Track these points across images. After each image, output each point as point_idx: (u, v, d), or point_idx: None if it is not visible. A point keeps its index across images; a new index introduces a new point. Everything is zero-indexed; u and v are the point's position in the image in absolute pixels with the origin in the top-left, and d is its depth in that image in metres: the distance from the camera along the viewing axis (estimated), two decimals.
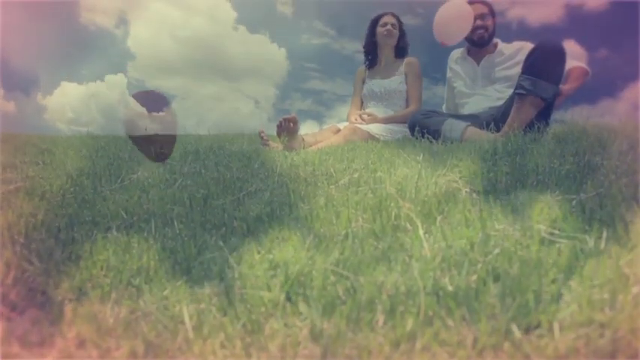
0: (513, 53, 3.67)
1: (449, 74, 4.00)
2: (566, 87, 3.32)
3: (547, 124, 3.14)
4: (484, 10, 3.72)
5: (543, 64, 3.13)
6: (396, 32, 4.15)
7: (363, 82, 4.28)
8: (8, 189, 2.17)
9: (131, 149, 3.23)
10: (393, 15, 4.21)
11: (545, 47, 3.15)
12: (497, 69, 3.70)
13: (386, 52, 4.20)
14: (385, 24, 4.13)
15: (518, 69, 3.44)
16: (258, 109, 9.18)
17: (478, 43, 3.77)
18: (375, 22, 4.21)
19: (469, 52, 3.85)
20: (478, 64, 3.78)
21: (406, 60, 4.16)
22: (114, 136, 4.48)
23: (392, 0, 4.87)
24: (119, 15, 9.34)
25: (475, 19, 3.69)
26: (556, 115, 3.41)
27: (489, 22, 3.72)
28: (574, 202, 1.52)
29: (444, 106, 4.14)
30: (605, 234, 1.28)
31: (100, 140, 3.93)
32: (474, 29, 3.69)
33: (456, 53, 3.96)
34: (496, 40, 3.80)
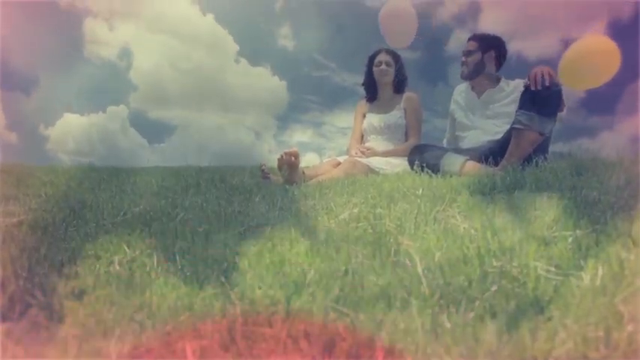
0: (512, 90, 3.72)
1: (452, 106, 4.06)
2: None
3: (545, 158, 3.17)
4: (472, 46, 3.79)
5: (540, 99, 3.18)
6: (391, 70, 4.20)
7: (364, 116, 4.32)
8: (11, 222, 2.19)
9: (133, 182, 3.26)
10: (387, 52, 4.26)
11: (542, 83, 3.19)
12: (497, 104, 3.75)
13: (384, 88, 4.25)
14: (380, 63, 4.19)
15: (515, 106, 3.50)
16: (258, 140, 9.25)
17: (461, 77, 3.88)
18: (371, 60, 4.28)
19: (473, 87, 3.91)
20: (479, 97, 3.84)
21: (406, 95, 4.21)
22: (115, 168, 4.51)
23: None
24: (122, 47, 9.45)
25: (462, 56, 3.82)
26: (555, 148, 3.46)
27: (471, 58, 3.78)
28: (570, 239, 1.54)
29: (444, 140, 4.18)
30: (600, 271, 1.30)
31: (102, 172, 3.96)
32: (460, 65, 3.79)
33: (461, 86, 4.03)
34: (500, 75, 3.85)
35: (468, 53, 3.79)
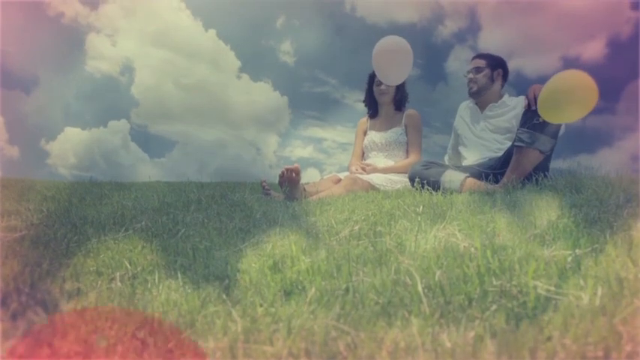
0: (514, 106, 3.77)
1: (456, 121, 4.10)
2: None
3: (545, 176, 3.18)
4: (480, 63, 3.85)
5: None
6: (391, 89, 4.23)
7: (365, 133, 4.35)
8: (13, 237, 2.19)
9: (134, 197, 3.27)
10: None
11: None
12: (499, 119, 3.80)
13: (385, 106, 4.29)
14: (379, 82, 4.22)
15: (514, 121, 3.53)
16: (259, 155, 9.26)
17: (469, 94, 3.92)
18: (371, 78, 4.31)
19: (476, 102, 3.95)
20: (482, 111, 3.88)
21: (406, 112, 4.24)
22: (116, 183, 4.52)
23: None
24: (124, 62, 9.50)
25: (469, 72, 3.87)
26: (554, 164, 3.47)
27: (481, 75, 3.83)
28: (570, 259, 1.55)
29: (446, 156, 4.21)
30: (599, 291, 1.31)
31: (103, 187, 3.97)
32: (468, 81, 3.83)
33: (466, 102, 4.07)
34: (504, 92, 3.90)
35: (477, 70, 3.84)
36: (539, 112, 3.13)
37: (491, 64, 3.88)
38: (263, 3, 9.54)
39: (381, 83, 4.22)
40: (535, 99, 3.17)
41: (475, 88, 3.87)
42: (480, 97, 3.89)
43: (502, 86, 3.92)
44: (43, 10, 8.59)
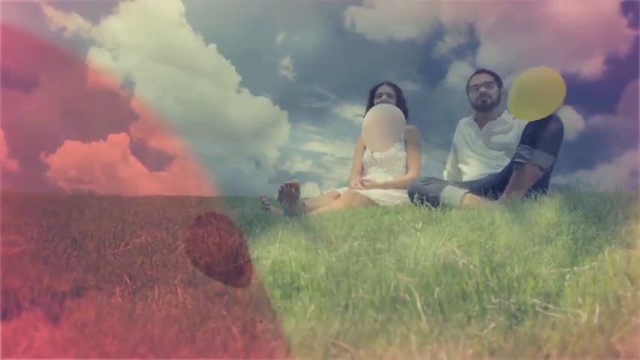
0: (513, 123, 3.80)
1: (455, 138, 4.13)
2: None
3: (545, 192, 3.20)
4: (489, 78, 3.90)
5: (542, 134, 3.23)
6: (392, 101, 4.27)
7: (364, 148, 4.37)
8: (13, 252, 2.20)
9: (134, 212, 3.28)
10: (389, 84, 4.33)
11: (544, 118, 3.24)
12: (497, 136, 3.83)
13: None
14: (380, 95, 4.25)
15: (512, 136, 3.56)
16: (259, 170, 9.28)
17: (481, 108, 3.95)
18: (372, 93, 4.34)
19: (476, 118, 3.98)
20: (481, 128, 3.91)
21: (406, 127, 4.26)
22: (116, 197, 4.53)
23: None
24: (125, 77, 9.54)
25: (480, 86, 3.89)
26: (553, 180, 3.49)
27: (493, 90, 3.87)
28: (568, 276, 1.55)
29: (445, 172, 4.23)
30: (598, 309, 1.32)
31: (103, 201, 3.98)
32: (480, 95, 3.85)
33: (466, 119, 4.10)
34: (502, 108, 3.93)
35: (488, 85, 3.87)
36: (509, 109, 3.20)
37: (498, 81, 3.95)
38: (263, 19, 9.62)
39: (382, 95, 4.26)
40: None
41: (489, 102, 3.90)
42: (490, 112, 3.92)
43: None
44: (45, 24, 8.66)
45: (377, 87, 4.35)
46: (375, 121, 3.92)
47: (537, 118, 3.22)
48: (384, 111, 3.96)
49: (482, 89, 3.90)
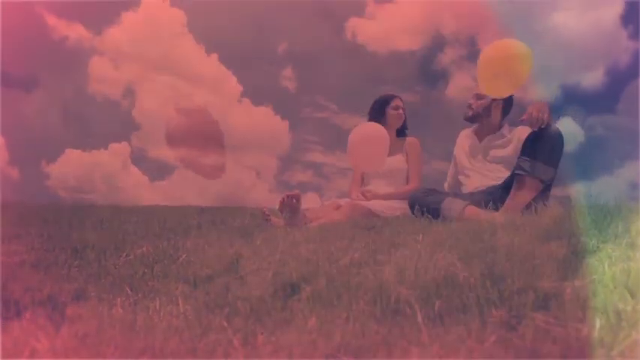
0: (512, 137, 3.78)
1: (455, 150, 4.12)
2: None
3: (545, 204, 3.20)
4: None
5: (542, 146, 3.24)
6: (403, 115, 4.31)
7: None
8: (14, 261, 2.20)
9: (135, 221, 3.28)
10: (400, 98, 4.36)
11: (544, 130, 3.25)
12: (496, 150, 3.81)
13: (389, 132, 4.31)
14: (397, 107, 4.27)
15: (511, 150, 3.56)
16: (259, 179, 9.29)
17: (464, 118, 3.97)
18: (385, 103, 4.33)
19: (476, 131, 3.97)
20: (480, 142, 3.89)
21: (407, 140, 4.28)
22: (117, 206, 4.54)
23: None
24: (127, 86, 9.57)
25: (470, 98, 3.87)
26: (554, 192, 3.49)
27: (481, 103, 3.84)
28: (568, 290, 1.56)
29: (446, 184, 4.23)
30: (598, 323, 1.32)
31: (104, 211, 3.99)
32: (466, 106, 3.87)
33: (466, 131, 4.09)
34: (504, 122, 3.91)
35: (478, 97, 3.85)
36: (479, 86, 3.20)
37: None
38: (265, 29, 9.66)
39: (398, 107, 4.30)
40: (536, 119, 3.20)
41: (470, 114, 3.90)
42: (476, 125, 3.91)
43: (502, 117, 3.91)
44: (48, 33, 8.70)
45: (391, 98, 4.34)
46: (367, 140, 3.92)
47: (509, 93, 3.22)
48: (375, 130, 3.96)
49: (469, 101, 3.92)
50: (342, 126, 9.42)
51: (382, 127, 3.97)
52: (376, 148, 3.88)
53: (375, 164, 3.99)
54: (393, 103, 4.31)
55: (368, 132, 3.95)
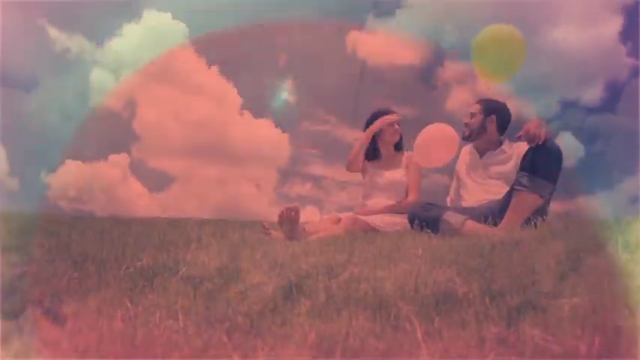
0: (512, 153, 3.77)
1: (457, 165, 4.12)
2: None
3: (544, 219, 3.21)
4: (475, 108, 3.88)
5: (541, 162, 3.25)
6: (397, 133, 4.32)
7: (365, 174, 4.38)
8: (13, 273, 2.20)
9: (135, 233, 3.28)
10: (398, 114, 4.37)
11: (543, 145, 3.26)
12: (497, 166, 3.80)
13: (387, 147, 4.33)
14: (392, 123, 4.28)
15: (511, 167, 3.57)
16: (259, 192, 9.29)
17: (462, 138, 3.93)
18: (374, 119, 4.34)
19: (476, 147, 3.97)
20: (481, 157, 3.89)
21: (407, 153, 4.29)
22: (117, 218, 4.54)
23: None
24: (128, 98, 9.59)
25: (466, 117, 3.91)
26: (553, 207, 3.50)
27: (474, 121, 3.85)
28: (567, 307, 1.56)
29: (448, 198, 4.23)
30: (597, 340, 1.32)
31: (104, 222, 3.98)
32: (464, 125, 3.88)
33: (467, 147, 4.08)
34: (504, 138, 3.90)
35: (471, 115, 3.86)
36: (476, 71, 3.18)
37: (485, 110, 3.87)
38: (266, 42, 9.69)
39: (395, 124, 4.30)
40: (533, 136, 3.22)
41: (467, 133, 3.89)
42: (476, 141, 3.92)
43: (501, 132, 3.90)
44: (49, 45, 8.74)
45: (386, 114, 4.34)
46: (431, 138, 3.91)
47: (505, 79, 3.22)
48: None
49: (464, 120, 3.93)
50: (342, 139, 9.43)
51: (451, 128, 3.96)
52: (446, 146, 3.88)
53: (441, 162, 3.97)
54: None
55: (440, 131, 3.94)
